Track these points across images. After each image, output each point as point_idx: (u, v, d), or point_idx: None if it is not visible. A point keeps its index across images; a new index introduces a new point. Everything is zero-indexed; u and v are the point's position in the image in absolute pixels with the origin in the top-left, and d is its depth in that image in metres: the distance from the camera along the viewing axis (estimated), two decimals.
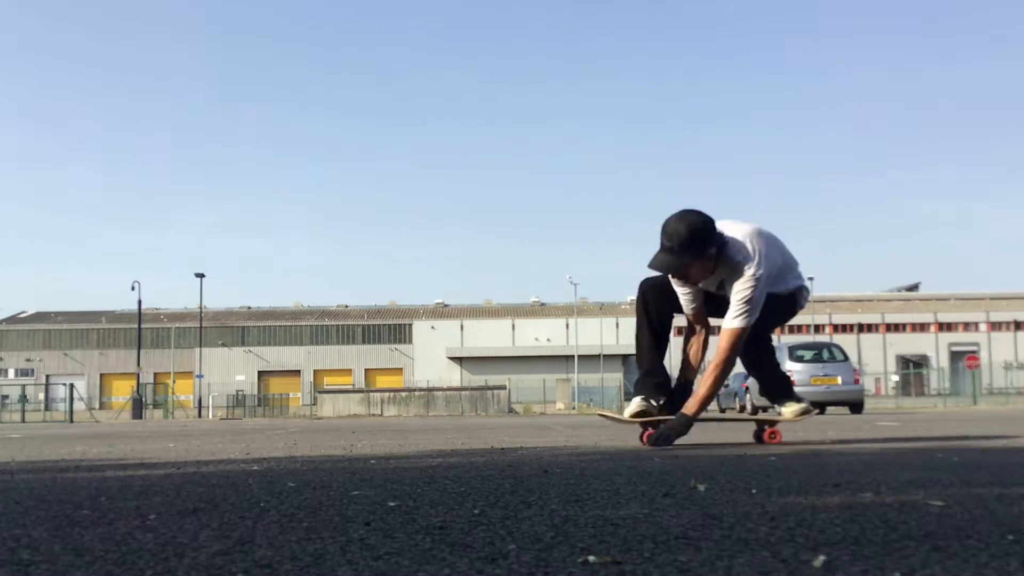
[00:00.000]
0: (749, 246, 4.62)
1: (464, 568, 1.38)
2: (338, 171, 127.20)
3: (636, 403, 5.05)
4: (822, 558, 1.39)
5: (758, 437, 5.17)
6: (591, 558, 1.43)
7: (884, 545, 1.50)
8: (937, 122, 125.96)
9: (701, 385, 4.86)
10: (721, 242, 4.63)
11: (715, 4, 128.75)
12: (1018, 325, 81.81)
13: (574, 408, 44.90)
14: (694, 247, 4.52)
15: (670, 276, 4.90)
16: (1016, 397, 46.98)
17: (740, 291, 4.63)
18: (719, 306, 4.91)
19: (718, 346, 4.79)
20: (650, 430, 4.97)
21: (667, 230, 4.54)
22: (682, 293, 5.01)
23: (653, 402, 5.05)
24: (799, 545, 1.52)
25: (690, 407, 4.80)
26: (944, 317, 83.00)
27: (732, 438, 5.70)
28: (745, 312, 4.65)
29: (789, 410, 5.19)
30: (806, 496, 2.24)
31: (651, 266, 4.64)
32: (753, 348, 4.91)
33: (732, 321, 4.67)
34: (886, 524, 1.73)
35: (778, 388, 5.31)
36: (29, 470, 3.96)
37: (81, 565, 1.47)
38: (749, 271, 4.60)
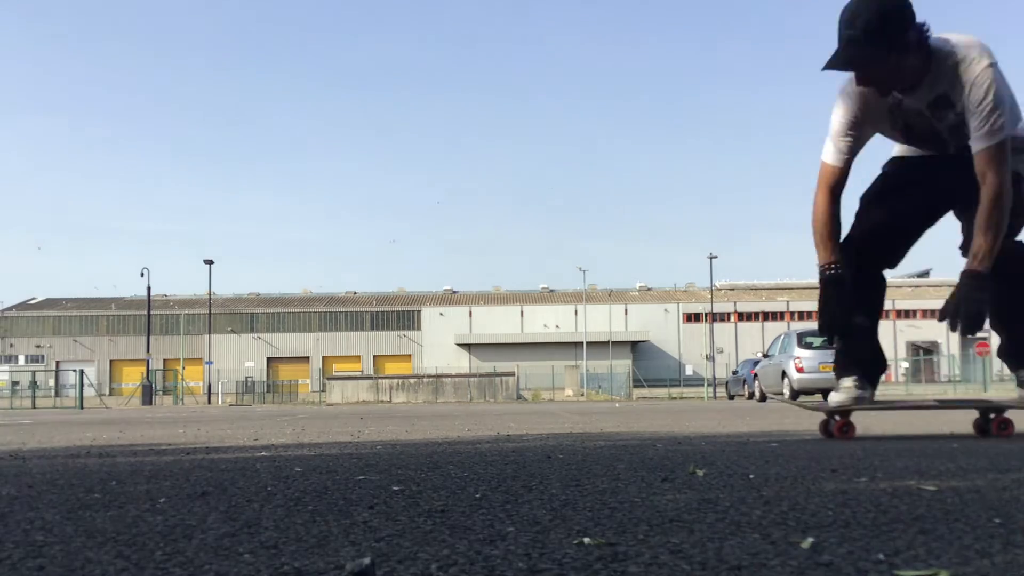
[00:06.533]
0: (974, 40, 3.45)
1: (463, 549, 1.42)
2: (348, 157, 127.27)
3: (849, 388, 3.93)
4: (810, 540, 1.43)
5: (982, 429, 4.09)
6: (586, 540, 1.47)
7: (872, 528, 1.54)
8: None
9: (977, 233, 3.53)
10: (925, 32, 3.42)
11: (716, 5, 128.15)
12: None
13: (583, 395, 44.96)
14: (888, 31, 3.34)
15: (851, 90, 3.65)
16: None
17: (981, 84, 3.38)
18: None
19: (985, 180, 3.46)
20: (841, 419, 4.02)
21: (846, 15, 3.39)
22: (852, 124, 3.70)
23: (866, 391, 3.96)
24: (789, 528, 1.56)
25: (975, 263, 3.56)
26: None
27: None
28: (1000, 114, 3.37)
29: None
30: (802, 481, 2.28)
31: (827, 66, 3.41)
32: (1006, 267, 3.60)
33: (991, 134, 3.40)
34: (877, 508, 1.77)
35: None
36: (41, 455, 4.03)
37: (93, 546, 1.52)
38: (981, 59, 3.39)
